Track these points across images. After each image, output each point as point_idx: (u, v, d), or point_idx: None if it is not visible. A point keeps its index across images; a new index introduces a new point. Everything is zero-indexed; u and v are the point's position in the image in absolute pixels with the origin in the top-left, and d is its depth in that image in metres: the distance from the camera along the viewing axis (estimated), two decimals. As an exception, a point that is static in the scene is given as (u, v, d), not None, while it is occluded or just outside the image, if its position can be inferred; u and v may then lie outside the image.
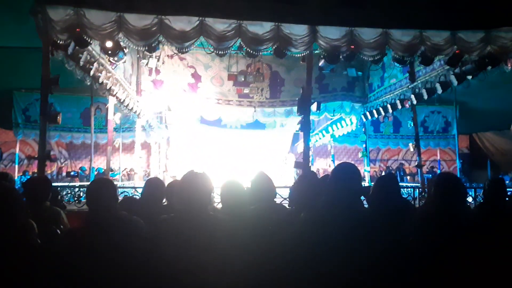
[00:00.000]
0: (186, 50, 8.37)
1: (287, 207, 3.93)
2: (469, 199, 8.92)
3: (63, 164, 19.41)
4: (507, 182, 13.89)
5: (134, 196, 8.35)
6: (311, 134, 14.48)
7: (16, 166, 16.58)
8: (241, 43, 8.11)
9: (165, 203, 4.02)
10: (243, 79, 13.26)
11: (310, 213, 2.77)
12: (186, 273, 2.52)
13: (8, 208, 2.71)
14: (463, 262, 2.64)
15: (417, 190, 10.53)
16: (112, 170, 15.34)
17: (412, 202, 9.20)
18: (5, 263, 2.55)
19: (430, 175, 14.97)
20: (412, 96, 11.04)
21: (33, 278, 2.60)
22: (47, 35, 7.48)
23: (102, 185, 2.93)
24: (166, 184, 4.18)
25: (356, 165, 2.97)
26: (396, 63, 9.79)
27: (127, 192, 9.47)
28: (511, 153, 17.81)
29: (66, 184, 11.40)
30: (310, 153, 12.71)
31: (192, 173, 2.87)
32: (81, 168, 17.72)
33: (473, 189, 9.38)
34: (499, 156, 18.87)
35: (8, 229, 2.64)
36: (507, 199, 4.07)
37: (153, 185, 4.04)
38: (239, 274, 2.63)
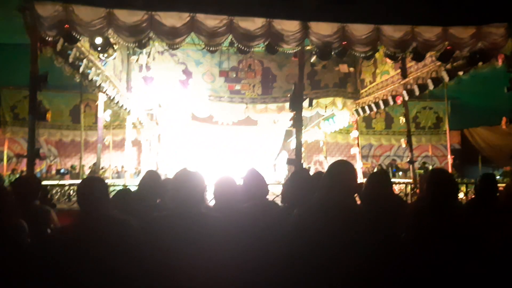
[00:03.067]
0: (177, 46, 8.29)
1: (280, 204, 3.89)
2: (461, 195, 8.97)
3: (53, 162, 19.22)
4: (498, 177, 14.04)
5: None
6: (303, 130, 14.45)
7: (5, 164, 16.40)
8: (233, 39, 8.07)
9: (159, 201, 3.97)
10: (234, 76, 13.21)
11: (303, 210, 2.77)
12: (178, 272, 2.49)
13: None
14: (455, 257, 2.65)
15: (409, 186, 10.58)
16: (101, 168, 15.21)
17: (404, 198, 9.23)
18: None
19: (422, 171, 15.04)
20: (404, 92, 11.07)
21: (24, 278, 2.57)
22: (35, 32, 7.39)
23: (93, 185, 2.88)
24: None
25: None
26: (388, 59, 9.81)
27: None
28: (502, 149, 17.93)
29: (56, 182, 11.27)
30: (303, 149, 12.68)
31: (185, 171, 2.83)
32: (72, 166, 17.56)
33: (465, 185, 9.44)
34: (490, 152, 19.01)
35: (-1, 229, 2.61)
36: (497, 194, 4.08)
37: (151, 179, 4.00)
38: (233, 272, 2.60)
